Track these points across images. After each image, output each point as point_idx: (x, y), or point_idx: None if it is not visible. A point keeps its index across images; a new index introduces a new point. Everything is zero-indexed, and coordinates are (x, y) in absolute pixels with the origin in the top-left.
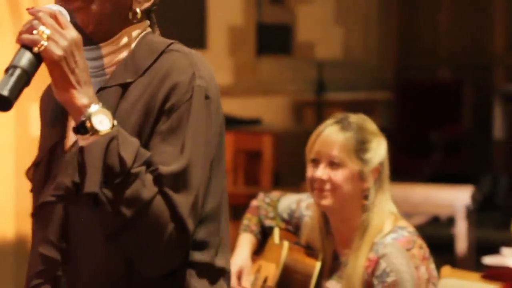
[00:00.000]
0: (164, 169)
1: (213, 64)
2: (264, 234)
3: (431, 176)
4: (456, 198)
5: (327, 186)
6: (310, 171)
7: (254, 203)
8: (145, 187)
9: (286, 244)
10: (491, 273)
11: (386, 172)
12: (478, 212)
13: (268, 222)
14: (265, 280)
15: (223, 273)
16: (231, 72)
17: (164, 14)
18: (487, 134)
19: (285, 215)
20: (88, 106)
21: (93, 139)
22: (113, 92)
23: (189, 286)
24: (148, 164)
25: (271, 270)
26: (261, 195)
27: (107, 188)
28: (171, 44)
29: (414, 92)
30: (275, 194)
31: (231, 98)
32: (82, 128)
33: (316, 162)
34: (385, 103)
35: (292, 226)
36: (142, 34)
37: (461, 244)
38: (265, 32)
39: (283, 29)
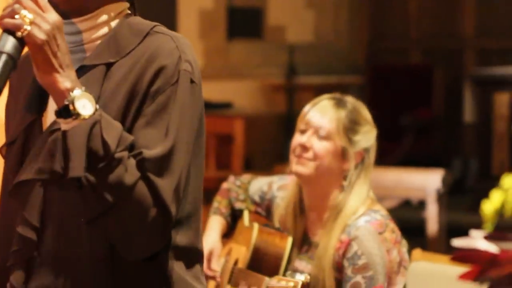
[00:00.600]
0: (148, 152)
1: None
2: (234, 217)
3: (402, 160)
4: (427, 182)
5: (308, 154)
6: (295, 139)
7: (224, 185)
8: (128, 172)
9: (256, 226)
10: (460, 255)
11: (370, 160)
12: (449, 195)
13: (238, 205)
14: (235, 263)
15: (200, 255)
16: (202, 56)
17: None
18: (457, 117)
19: (256, 197)
20: (71, 90)
21: (76, 123)
22: (97, 72)
23: (169, 268)
24: (131, 147)
25: (241, 252)
26: (231, 178)
27: (90, 173)
28: (155, 26)
29: (385, 76)
30: (245, 176)
31: (202, 82)
32: (65, 112)
33: (304, 131)
34: (356, 87)
35: (263, 209)
36: (123, 14)
37: (432, 227)
38: (236, 16)
39: (254, 13)
